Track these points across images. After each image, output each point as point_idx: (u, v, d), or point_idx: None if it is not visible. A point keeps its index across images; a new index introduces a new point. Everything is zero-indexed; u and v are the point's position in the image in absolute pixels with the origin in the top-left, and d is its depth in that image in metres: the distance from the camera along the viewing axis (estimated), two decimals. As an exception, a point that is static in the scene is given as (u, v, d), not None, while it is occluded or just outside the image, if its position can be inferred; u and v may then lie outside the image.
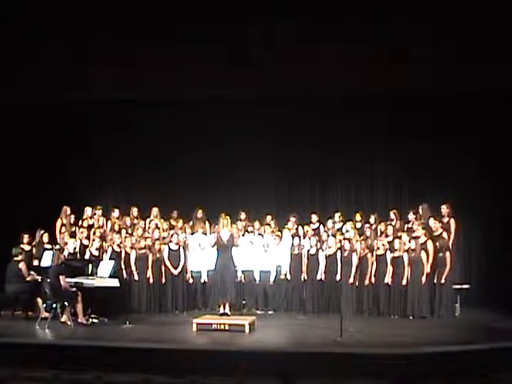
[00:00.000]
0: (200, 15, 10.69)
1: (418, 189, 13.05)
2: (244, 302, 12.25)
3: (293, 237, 12.31)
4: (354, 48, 10.97)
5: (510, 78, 10.74)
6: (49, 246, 11.87)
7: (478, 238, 12.98)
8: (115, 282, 10.66)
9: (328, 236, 12.12)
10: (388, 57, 11.03)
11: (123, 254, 11.76)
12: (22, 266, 10.90)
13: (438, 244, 11.34)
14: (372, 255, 11.76)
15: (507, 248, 12.11)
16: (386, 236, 11.81)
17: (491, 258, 12.59)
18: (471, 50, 10.74)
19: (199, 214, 12.95)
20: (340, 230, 12.34)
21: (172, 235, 12.25)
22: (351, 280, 11.66)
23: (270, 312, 12.06)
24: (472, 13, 10.04)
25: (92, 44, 11.28)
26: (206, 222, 12.83)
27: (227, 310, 10.85)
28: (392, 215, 12.23)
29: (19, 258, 10.95)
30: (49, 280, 10.46)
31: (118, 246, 11.80)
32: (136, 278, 11.75)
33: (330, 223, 12.53)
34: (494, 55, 10.73)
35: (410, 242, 11.37)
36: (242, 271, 12.10)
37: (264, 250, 12.14)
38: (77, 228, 12.41)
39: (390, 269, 11.49)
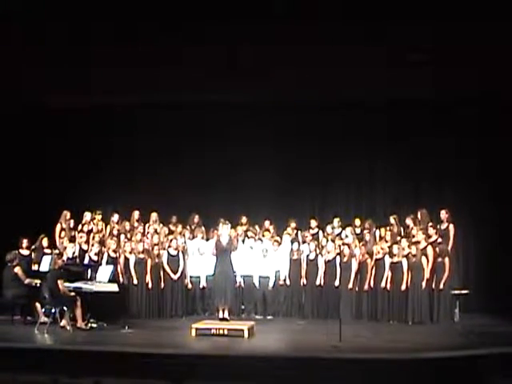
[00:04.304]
0: (201, 15, 10.66)
1: (418, 193, 13.03)
2: (243, 307, 12.25)
3: (292, 242, 12.32)
4: (354, 49, 10.96)
5: (510, 78, 10.76)
6: (48, 251, 11.86)
7: (477, 243, 12.96)
8: (114, 287, 10.66)
9: (327, 241, 12.12)
10: (388, 57, 11.03)
11: (122, 259, 11.76)
12: (17, 270, 10.89)
13: (437, 249, 11.35)
14: (371, 260, 11.76)
15: (506, 253, 12.11)
16: (386, 242, 11.81)
17: (490, 264, 12.57)
18: (471, 50, 10.74)
19: (196, 219, 12.97)
20: (339, 235, 12.35)
21: (171, 240, 12.25)
22: (350, 285, 11.67)
23: (269, 317, 12.05)
24: (472, 13, 10.02)
25: (93, 44, 11.25)
26: (203, 227, 12.82)
27: (226, 315, 10.85)
28: (392, 220, 12.24)
29: (14, 263, 10.94)
30: (47, 284, 10.46)
31: (114, 251, 11.80)
32: (135, 282, 11.76)
33: (329, 228, 12.52)
34: (494, 55, 10.73)
35: (409, 247, 11.38)
36: (242, 276, 12.11)
37: (263, 255, 12.14)
38: (76, 233, 12.41)
39: (388, 274, 11.50)
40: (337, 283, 11.67)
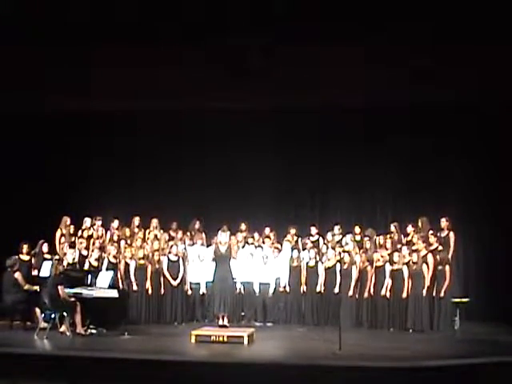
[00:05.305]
0: (202, 15, 10.65)
1: (419, 200, 12.98)
2: (243, 313, 12.24)
3: (292, 249, 12.31)
4: (352, 50, 10.96)
5: (510, 78, 10.75)
6: (48, 256, 11.86)
7: (478, 251, 12.95)
8: (114, 293, 10.65)
9: (327, 248, 12.12)
10: (388, 58, 11.02)
11: (122, 265, 11.76)
12: (17, 275, 10.88)
13: (438, 257, 11.34)
14: (372, 268, 11.75)
15: (507, 260, 12.10)
16: (386, 249, 11.81)
17: (490, 272, 12.56)
18: (471, 50, 10.75)
19: (197, 225, 12.96)
20: (339, 242, 12.34)
21: (171, 246, 12.25)
22: (350, 293, 11.65)
23: (269, 324, 12.04)
24: (471, 13, 10.03)
25: (93, 45, 11.24)
26: (203, 234, 12.80)
27: (226, 322, 10.83)
28: (392, 228, 12.24)
29: (14, 268, 10.93)
30: (47, 290, 10.45)
31: (114, 257, 11.79)
32: (135, 288, 11.75)
33: (329, 236, 12.52)
34: (494, 55, 10.73)
35: (409, 255, 11.37)
36: (242, 283, 12.10)
37: (263, 262, 12.13)
38: (76, 238, 12.40)
39: (388, 281, 11.49)
40: (337, 290, 11.66)
